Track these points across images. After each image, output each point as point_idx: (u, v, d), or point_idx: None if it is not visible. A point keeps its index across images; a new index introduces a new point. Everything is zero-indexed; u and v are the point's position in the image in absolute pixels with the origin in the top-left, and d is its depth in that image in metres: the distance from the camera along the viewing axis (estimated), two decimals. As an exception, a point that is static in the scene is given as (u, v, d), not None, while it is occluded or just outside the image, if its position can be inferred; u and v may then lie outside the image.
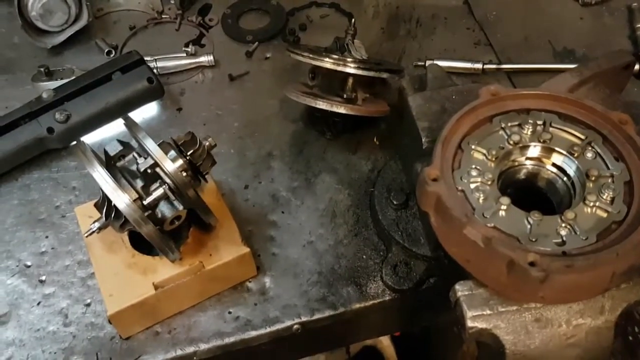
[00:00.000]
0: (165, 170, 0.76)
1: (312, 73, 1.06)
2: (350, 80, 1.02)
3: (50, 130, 1.06)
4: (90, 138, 1.10)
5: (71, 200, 1.04)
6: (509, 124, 0.67)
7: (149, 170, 0.77)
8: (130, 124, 0.79)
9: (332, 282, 0.93)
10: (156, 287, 0.84)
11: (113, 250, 0.88)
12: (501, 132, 0.65)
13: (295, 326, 0.89)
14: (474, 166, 0.65)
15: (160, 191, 0.76)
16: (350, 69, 0.98)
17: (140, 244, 0.89)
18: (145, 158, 0.77)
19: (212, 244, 0.88)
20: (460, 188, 0.64)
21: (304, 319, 0.90)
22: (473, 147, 0.66)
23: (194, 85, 1.22)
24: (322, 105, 1.01)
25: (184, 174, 0.78)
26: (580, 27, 1.26)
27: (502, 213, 0.62)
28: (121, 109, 1.13)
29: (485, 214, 0.62)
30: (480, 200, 0.62)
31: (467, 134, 0.66)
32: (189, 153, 0.81)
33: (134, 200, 0.75)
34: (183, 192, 0.77)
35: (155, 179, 0.78)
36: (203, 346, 0.87)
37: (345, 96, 1.02)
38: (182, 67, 1.23)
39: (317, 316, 0.90)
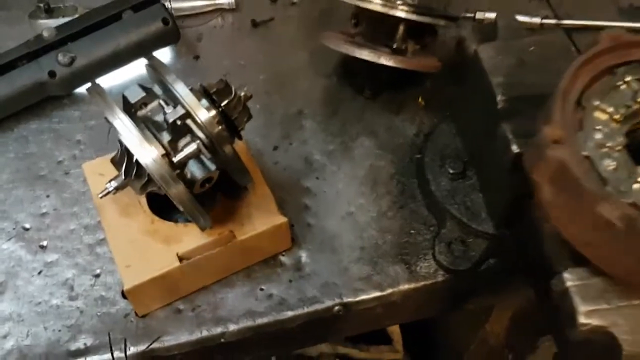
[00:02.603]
0: (200, 121, 0.64)
1: (355, 18, 0.94)
2: (401, 28, 0.89)
3: (51, 74, 0.92)
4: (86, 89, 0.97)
5: (75, 155, 0.91)
6: (635, 77, 0.56)
7: (178, 122, 0.65)
8: (156, 65, 0.66)
9: (377, 260, 0.83)
10: (180, 259, 0.73)
11: (129, 215, 0.76)
12: (624, 86, 0.55)
13: (337, 307, 0.79)
14: (598, 127, 0.54)
15: (192, 147, 0.65)
16: (403, 13, 0.86)
17: (157, 209, 0.78)
18: (175, 107, 0.65)
19: (245, 211, 0.77)
20: (586, 154, 0.53)
21: (346, 299, 0.80)
22: (596, 104, 0.55)
23: (213, 31, 1.08)
24: (367, 56, 0.88)
25: (219, 127, 0.66)
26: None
27: (638, 186, 0.51)
28: (132, 53, 1.00)
29: (622, 187, 0.51)
30: (612, 170, 0.52)
31: (586, 88, 0.55)
32: (222, 104, 0.69)
33: (162, 156, 0.63)
34: (218, 148, 0.66)
35: (185, 133, 0.67)
36: (232, 327, 0.77)
37: (395, 46, 0.90)
38: (199, 8, 1.10)
39: (361, 297, 0.80)
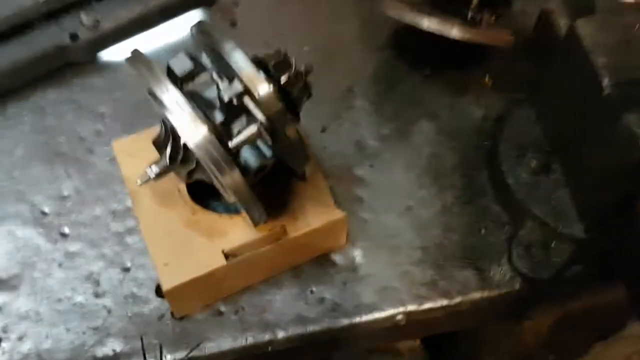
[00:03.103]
0: (261, 99, 0.54)
1: (420, -17, 0.83)
2: (478, -6, 0.79)
3: (73, 37, 0.82)
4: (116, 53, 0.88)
5: (99, 130, 0.81)
6: None
7: (234, 101, 0.55)
8: (208, 29, 0.56)
9: (442, 263, 0.74)
10: (227, 256, 0.64)
11: (166, 203, 0.67)
12: None
13: (399, 316, 0.70)
14: None
15: (251, 130, 0.55)
16: (483, -26, 0.75)
17: (196, 197, 0.69)
18: (230, 81, 0.55)
19: (297, 204, 0.68)
20: None
21: (409, 307, 0.71)
22: None
23: (252, -5, 0.98)
24: (436, 26, 0.78)
25: (281, 106, 0.56)
26: None
27: None
28: (161, 15, 0.90)
29: None
30: None
31: None
32: (282, 79, 0.60)
33: (221, 139, 0.54)
34: (280, 132, 0.56)
35: (239, 113, 0.57)
36: (281, 334, 0.68)
37: (470, 16, 0.79)
38: (237, -32, 0.99)
39: (427, 305, 0.71)
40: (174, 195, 0.67)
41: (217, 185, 0.60)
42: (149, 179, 0.59)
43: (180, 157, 0.58)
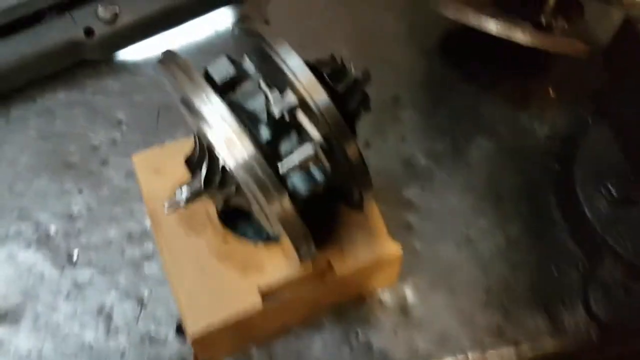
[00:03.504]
0: (321, 114, 0.45)
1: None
2: (553, -2, 0.70)
3: (88, 31, 0.74)
4: (136, 52, 0.79)
5: (115, 139, 0.73)
6: None
7: (286, 116, 0.46)
8: (254, 28, 0.47)
9: (508, 306, 0.64)
10: (263, 295, 0.55)
11: (193, 228, 0.58)
12: None
13: (460, 368, 0.61)
14: None
15: (307, 151, 0.46)
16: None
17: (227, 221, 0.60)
18: (282, 91, 0.46)
19: (345, 234, 0.59)
20: None
21: (471, 357, 0.62)
22: None
23: (287, -11, 0.89)
24: (504, 31, 0.69)
25: (342, 121, 0.47)
26: None
27: None
28: (188, 11, 0.82)
29: None
30: None
31: None
32: (339, 89, 0.51)
33: (267, 160, 0.44)
34: (339, 153, 0.47)
35: (289, 130, 0.48)
36: (322, 388, 0.60)
37: (544, 20, 0.70)
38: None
39: (491, 355, 0.62)
40: (201, 219, 0.58)
41: (257, 213, 0.51)
42: (178, 204, 0.50)
43: (217, 179, 0.49)
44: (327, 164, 0.47)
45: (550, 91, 0.81)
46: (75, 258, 0.66)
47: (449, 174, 0.73)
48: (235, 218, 0.58)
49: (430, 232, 0.69)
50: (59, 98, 0.75)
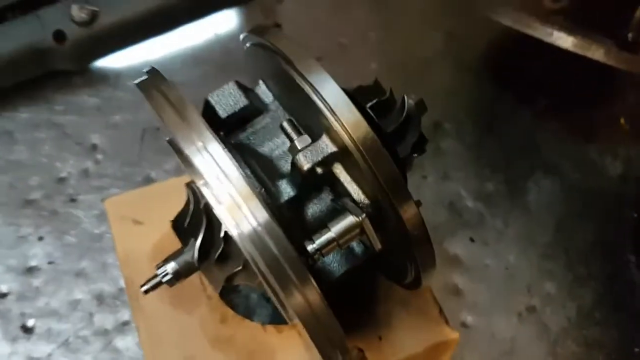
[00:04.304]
0: (369, 163, 0.31)
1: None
2: (641, 12, 0.57)
3: (58, 35, 0.62)
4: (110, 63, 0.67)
5: (87, 170, 0.62)
6: None
7: (318, 168, 0.33)
8: (274, 40, 0.34)
9: (586, 397, 0.53)
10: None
11: (183, 304, 0.45)
12: None
13: None
14: None
15: (350, 223, 0.32)
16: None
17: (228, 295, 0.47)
18: (312, 132, 0.33)
19: (384, 314, 0.46)
20: None
21: None
22: None
23: (302, -11, 0.78)
24: (579, 46, 0.57)
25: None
26: None
27: None
28: (182, 13, 0.70)
29: None
30: None
31: None
32: (388, 128, 0.38)
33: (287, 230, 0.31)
34: (392, 216, 0.34)
35: (319, 184, 0.35)
36: None
37: (630, 37, 0.58)
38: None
39: None
40: (194, 291, 0.45)
41: (272, 298, 0.38)
42: (159, 284, 0.37)
43: (217, 253, 0.35)
44: (373, 237, 0.33)
45: (623, 122, 0.69)
46: (31, 326, 0.54)
47: (504, 222, 0.63)
48: (238, 291, 0.45)
49: (483, 299, 0.59)
50: (20, 117, 0.65)
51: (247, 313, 0.46)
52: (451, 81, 0.72)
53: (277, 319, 0.47)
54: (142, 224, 0.48)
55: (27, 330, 0.54)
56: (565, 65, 0.63)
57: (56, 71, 0.65)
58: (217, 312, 0.46)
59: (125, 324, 0.54)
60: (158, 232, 0.46)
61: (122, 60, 0.68)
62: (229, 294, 0.46)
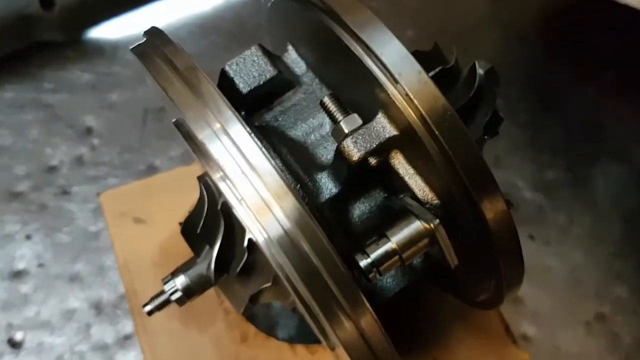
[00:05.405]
0: (445, 152, 0.25)
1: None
2: None
3: (46, 1, 0.58)
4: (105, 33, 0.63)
5: (82, 157, 0.58)
6: None
7: (372, 160, 0.26)
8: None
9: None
10: None
11: (196, 321, 0.39)
12: None
13: None
14: None
15: (415, 229, 0.25)
16: None
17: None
18: (363, 111, 0.26)
19: (437, 330, 0.40)
20: None
21: None
22: None
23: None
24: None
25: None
26: None
27: None
28: None
29: None
30: None
31: None
32: (457, 102, 0.31)
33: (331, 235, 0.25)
34: (469, 216, 0.27)
35: (370, 177, 0.28)
36: None
37: None
38: None
39: None
40: (209, 305, 0.39)
41: (311, 323, 0.31)
42: (167, 302, 0.30)
43: (239, 265, 0.29)
44: (449, 249, 0.27)
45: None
46: (19, 340, 0.50)
47: (568, 216, 0.57)
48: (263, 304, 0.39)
49: (545, 307, 0.53)
50: (3, 97, 0.60)
51: (269, 326, 0.40)
52: (499, 51, 0.67)
53: (306, 336, 0.41)
54: (144, 222, 0.43)
55: (15, 345, 0.50)
56: (629, 31, 0.56)
57: (44, 42, 0.62)
58: (236, 330, 0.41)
59: (128, 337, 0.49)
60: (164, 233, 0.41)
61: (119, 29, 0.63)
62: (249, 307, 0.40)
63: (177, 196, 0.40)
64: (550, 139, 0.62)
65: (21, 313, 0.51)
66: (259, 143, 0.26)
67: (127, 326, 0.51)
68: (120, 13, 0.62)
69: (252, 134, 0.26)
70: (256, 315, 0.42)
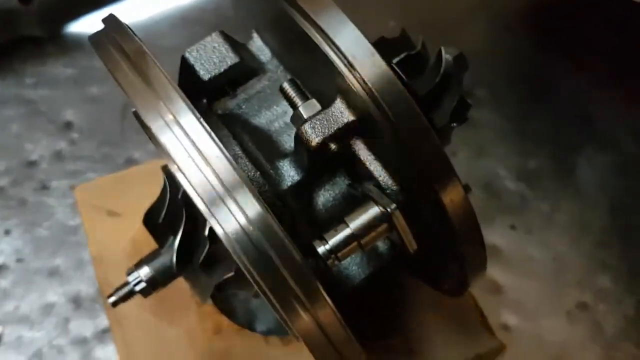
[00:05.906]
0: (401, 137, 0.25)
1: None
2: None
3: None
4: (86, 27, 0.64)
5: (61, 152, 0.59)
6: None
7: (333, 145, 0.26)
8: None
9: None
10: None
11: (169, 313, 0.39)
12: None
13: None
14: None
15: (371, 214, 0.26)
16: None
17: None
18: (323, 98, 0.27)
19: (413, 321, 0.40)
20: None
21: None
22: None
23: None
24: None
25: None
26: None
27: None
28: None
29: None
30: None
31: None
32: (420, 90, 0.31)
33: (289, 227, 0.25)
34: (430, 205, 0.27)
35: (332, 164, 0.28)
36: None
37: None
38: None
39: None
40: (182, 297, 0.40)
41: (274, 313, 0.32)
42: (131, 293, 0.31)
43: (202, 255, 0.29)
44: (407, 234, 0.27)
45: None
46: None
47: (551, 205, 0.57)
48: (234, 294, 0.39)
49: (528, 297, 0.53)
50: None
51: (247, 321, 0.41)
52: (485, 42, 0.68)
53: (283, 329, 0.41)
54: (118, 215, 0.43)
55: (-6, 339, 0.50)
56: (623, 23, 0.56)
57: (24, 37, 0.63)
58: (209, 322, 0.42)
59: (106, 331, 0.50)
60: (137, 225, 0.40)
61: (100, 23, 0.62)
62: (223, 299, 0.40)
63: (152, 189, 0.40)
64: (534, 128, 0.63)
65: (0, 308, 0.52)
66: (210, 130, 0.26)
67: (106, 320, 0.52)
68: (101, 7, 0.62)
69: (203, 121, 0.26)
70: (232, 309, 0.42)
